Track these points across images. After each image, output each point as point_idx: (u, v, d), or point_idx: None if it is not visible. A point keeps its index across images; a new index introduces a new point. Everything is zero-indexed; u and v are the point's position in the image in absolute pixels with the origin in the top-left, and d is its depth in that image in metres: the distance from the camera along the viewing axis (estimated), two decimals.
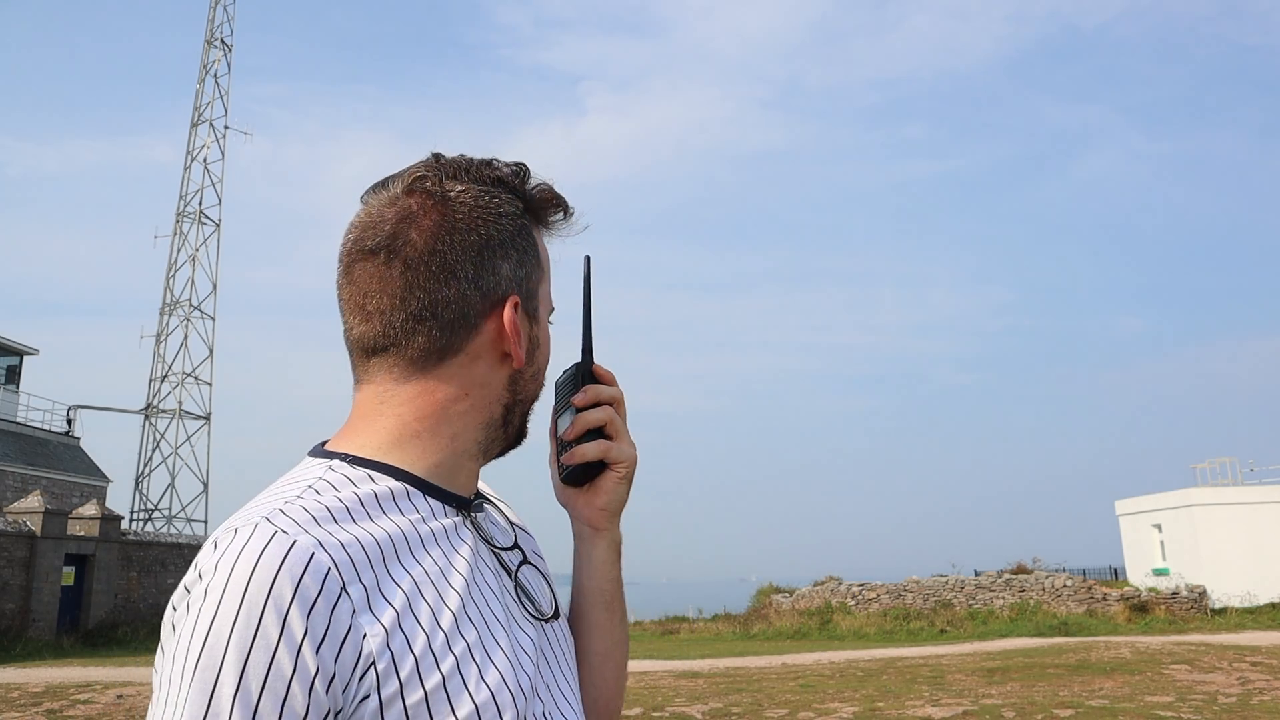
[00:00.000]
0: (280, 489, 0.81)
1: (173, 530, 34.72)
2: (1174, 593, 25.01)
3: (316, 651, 0.70)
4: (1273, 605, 24.98)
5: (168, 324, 38.07)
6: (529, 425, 0.97)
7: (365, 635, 0.73)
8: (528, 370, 0.93)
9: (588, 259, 1.05)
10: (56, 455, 30.40)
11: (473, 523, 0.90)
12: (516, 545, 0.95)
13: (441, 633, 0.78)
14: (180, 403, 37.16)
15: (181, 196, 39.29)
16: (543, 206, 0.96)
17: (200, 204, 39.01)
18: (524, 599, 0.91)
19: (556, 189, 0.97)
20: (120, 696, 12.27)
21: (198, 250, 38.54)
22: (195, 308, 38.09)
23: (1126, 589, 26.06)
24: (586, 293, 1.05)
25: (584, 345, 1.04)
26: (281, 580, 0.70)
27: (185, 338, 37.60)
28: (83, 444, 32.54)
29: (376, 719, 0.73)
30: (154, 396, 37.55)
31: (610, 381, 1.01)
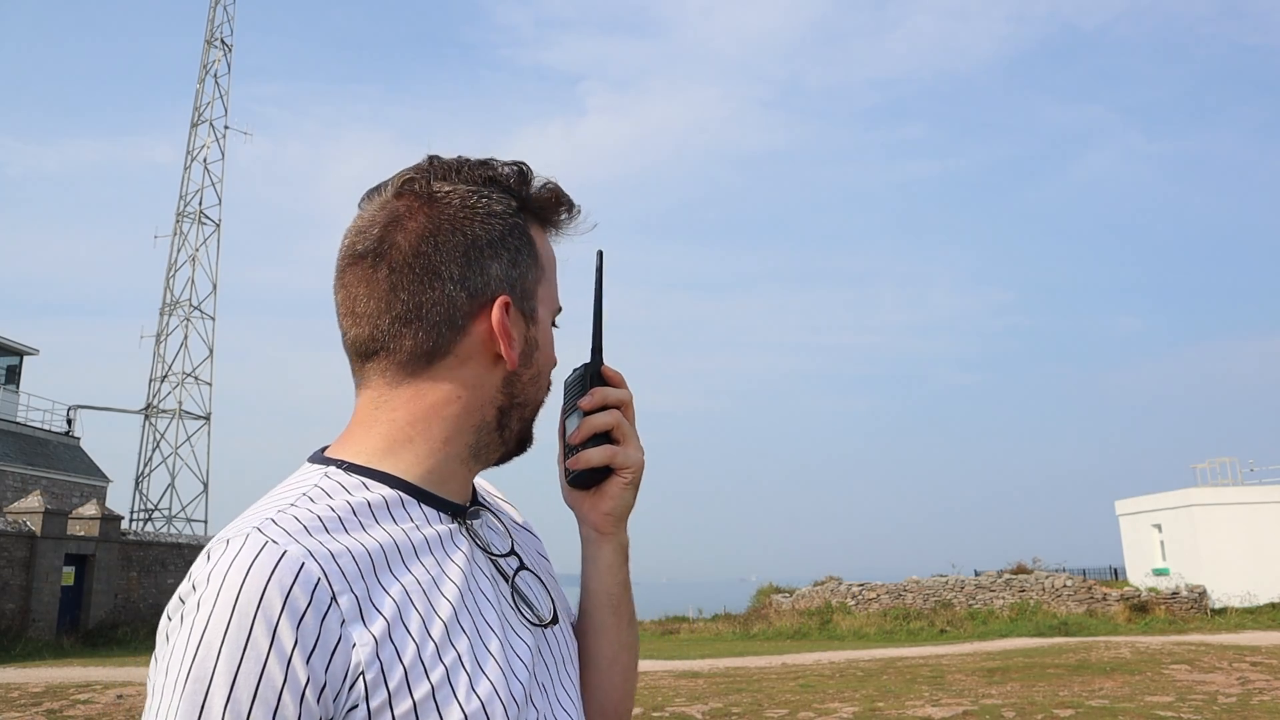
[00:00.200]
0: (275, 496, 0.82)
1: (173, 530, 34.73)
2: (1174, 593, 25.01)
3: (307, 662, 0.70)
4: (1273, 605, 24.98)
5: (168, 324, 38.11)
6: (534, 431, 0.96)
7: (355, 645, 0.73)
8: (525, 373, 0.91)
9: (600, 254, 1.04)
10: (56, 455, 30.40)
11: (469, 529, 0.89)
12: (513, 551, 0.93)
13: (432, 642, 0.78)
14: (180, 403, 37.19)
15: (181, 196, 39.33)
16: (544, 205, 0.95)
17: (200, 204, 39.03)
18: (521, 605, 0.90)
19: (562, 187, 0.96)
20: (120, 696, 12.27)
21: (198, 250, 38.57)
22: (195, 308, 38.11)
23: (1126, 589, 26.06)
24: (598, 289, 1.03)
25: (594, 345, 1.02)
26: (271, 591, 0.71)
27: (185, 338, 37.62)
28: (83, 444, 32.54)
29: (373, 714, 0.73)
30: (154, 396, 37.56)
31: (619, 383, 1.00)
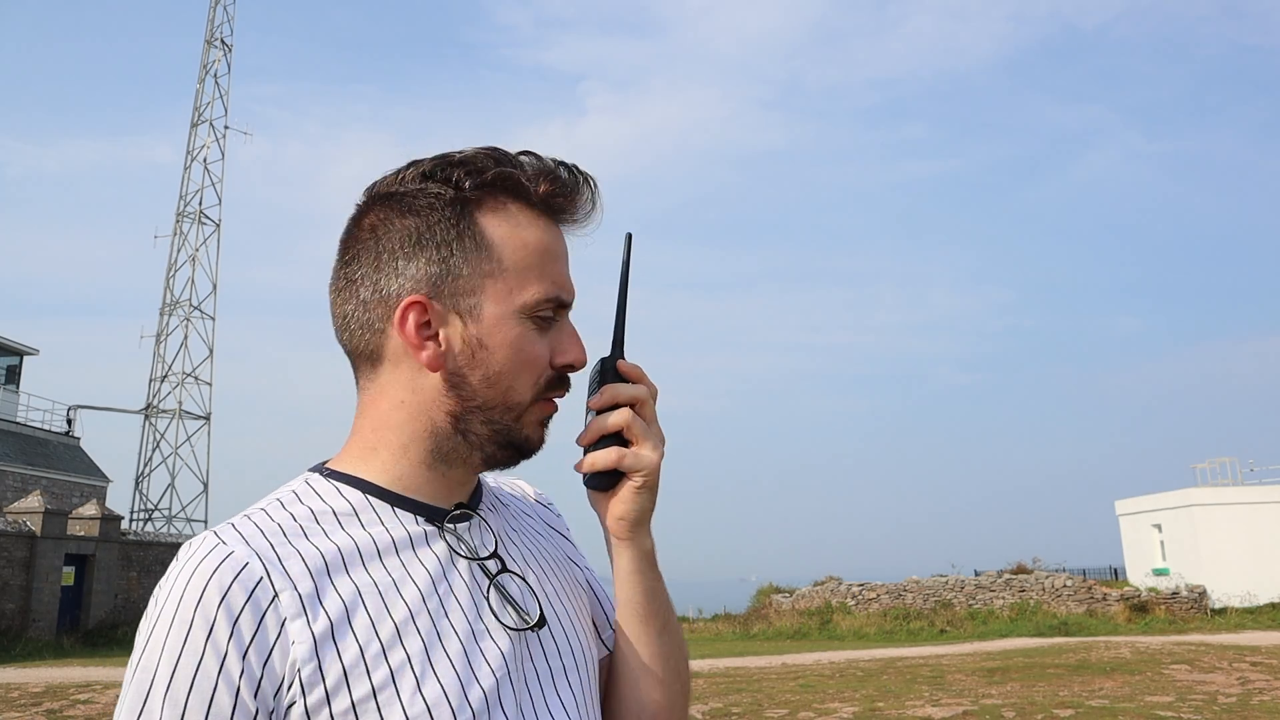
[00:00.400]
0: (260, 501, 0.88)
1: (173, 530, 34.72)
2: (1174, 593, 25.00)
3: (243, 656, 0.75)
4: (1273, 605, 24.98)
5: (168, 324, 38.10)
6: (540, 432, 0.92)
7: (293, 642, 0.77)
8: (472, 375, 0.88)
9: (628, 238, 0.99)
10: (56, 455, 30.40)
11: (453, 532, 0.89)
12: (495, 554, 0.90)
13: (378, 643, 0.80)
14: (180, 403, 37.18)
15: (181, 196, 39.32)
16: (510, 186, 0.89)
17: (200, 204, 39.02)
18: (501, 609, 0.88)
19: (550, 160, 0.92)
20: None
21: (198, 250, 38.55)
22: (195, 308, 38.09)
23: (1126, 589, 26.05)
24: (624, 277, 0.98)
25: (614, 337, 0.97)
26: (211, 589, 0.76)
27: (185, 338, 37.61)
28: (83, 444, 32.54)
29: (310, 712, 0.76)
30: (154, 396, 37.56)
31: (637, 378, 0.95)
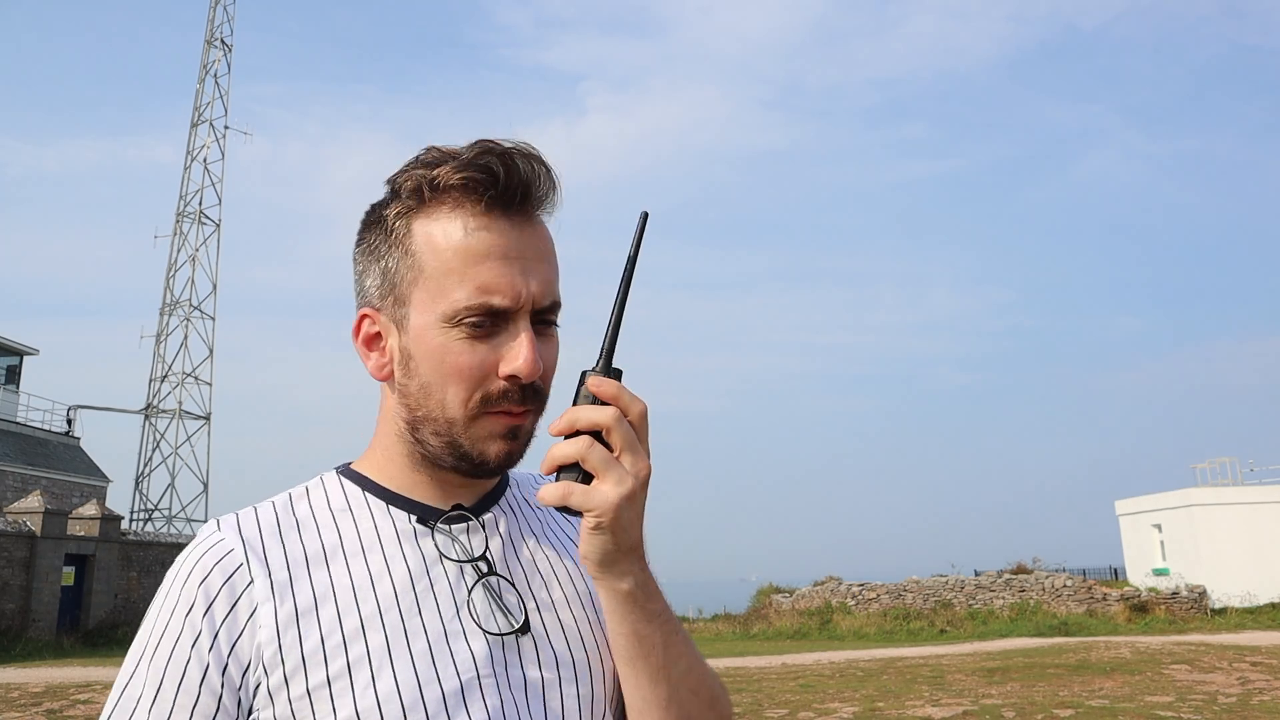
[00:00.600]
0: (278, 494, 0.93)
1: (173, 530, 34.72)
2: (1174, 593, 25.00)
3: (214, 635, 0.81)
4: (1273, 605, 24.97)
5: (168, 324, 38.09)
6: (485, 447, 0.87)
7: (260, 626, 0.82)
8: (409, 385, 0.88)
9: (643, 217, 0.89)
10: (56, 455, 30.40)
11: (446, 533, 0.90)
12: (483, 557, 0.89)
13: (340, 634, 0.82)
14: (180, 403, 37.17)
15: (181, 196, 39.32)
16: (440, 186, 0.86)
17: (200, 204, 39.02)
18: (495, 612, 0.87)
19: (467, 157, 0.85)
20: None
21: (198, 250, 38.55)
22: (195, 308, 38.09)
23: (1126, 589, 26.05)
24: (629, 268, 0.89)
25: (605, 343, 0.87)
26: (196, 572, 0.84)
27: (185, 338, 37.60)
28: (83, 444, 32.54)
29: (267, 704, 0.81)
30: (154, 396, 37.55)
31: (610, 397, 0.83)
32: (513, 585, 0.90)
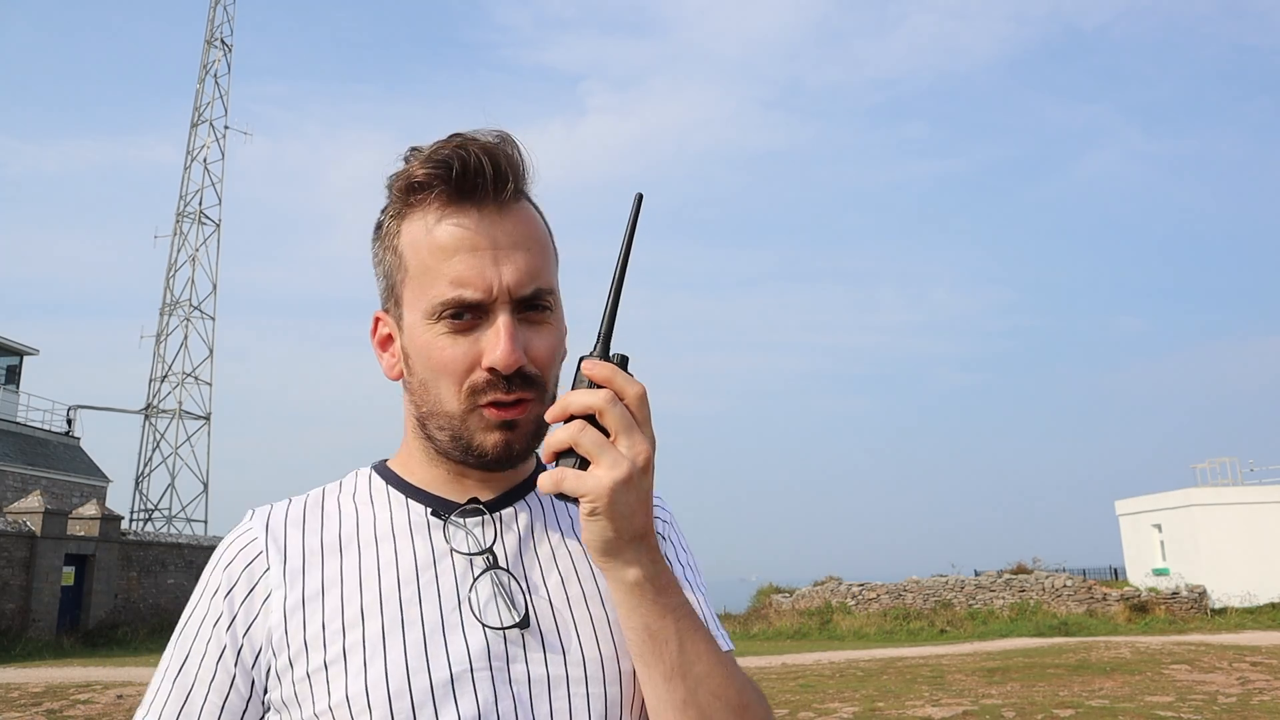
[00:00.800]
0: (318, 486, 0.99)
1: (173, 530, 34.72)
2: (1174, 593, 25.00)
3: (233, 617, 0.87)
4: (1273, 605, 24.97)
5: (168, 324, 38.09)
6: (483, 440, 0.88)
7: (271, 610, 0.86)
8: (412, 382, 0.91)
9: (638, 199, 0.87)
10: (56, 455, 30.39)
11: (461, 526, 0.90)
12: (489, 551, 0.89)
13: (340, 620, 0.85)
14: (180, 403, 37.18)
15: (181, 196, 39.32)
16: (412, 185, 0.88)
17: (200, 204, 39.02)
18: (501, 606, 0.87)
19: (429, 152, 0.86)
20: (120, 696, 12.27)
21: (198, 250, 38.56)
22: (195, 308, 38.10)
23: (1126, 589, 26.05)
24: (625, 251, 0.86)
25: (602, 327, 0.85)
26: (223, 558, 0.90)
27: (185, 338, 37.61)
28: (83, 444, 32.54)
29: (276, 685, 0.85)
30: (154, 396, 37.56)
31: (603, 380, 0.81)
32: (517, 580, 0.89)
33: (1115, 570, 34.69)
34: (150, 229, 47.90)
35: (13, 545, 21.26)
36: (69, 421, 32.70)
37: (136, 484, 36.86)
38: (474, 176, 0.86)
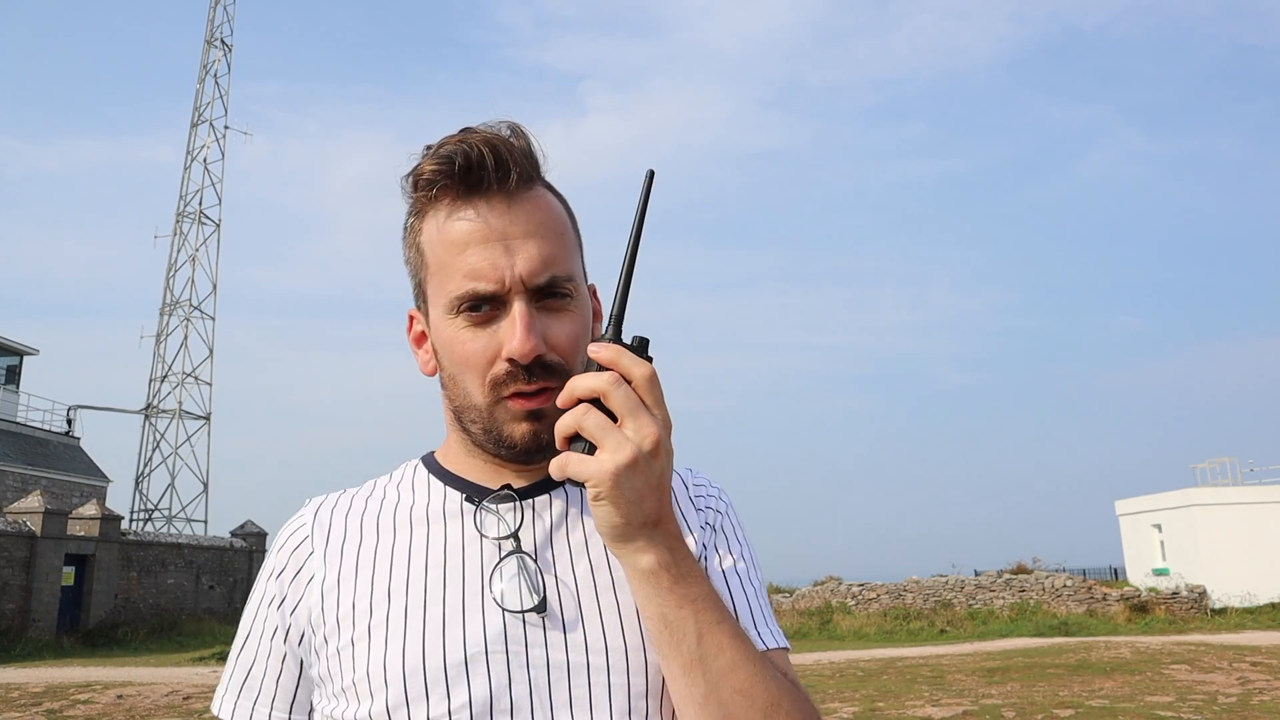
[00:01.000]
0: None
1: (173, 530, 34.72)
2: (1174, 593, 25.00)
3: (284, 597, 0.92)
4: (1273, 605, 24.97)
5: (168, 324, 38.10)
6: (512, 431, 0.88)
7: (312, 591, 0.91)
8: (444, 376, 0.93)
9: (649, 176, 0.86)
10: (56, 455, 30.40)
11: (494, 511, 0.91)
12: (514, 535, 0.90)
13: (367, 601, 0.88)
14: (180, 403, 37.18)
15: (181, 196, 39.33)
16: (426, 182, 0.88)
17: (200, 204, 39.03)
18: (523, 590, 0.87)
19: (451, 140, 0.87)
20: (120, 696, 12.27)
21: (198, 250, 38.57)
22: (195, 308, 38.10)
23: (1126, 589, 26.05)
24: (636, 231, 0.85)
25: (613, 309, 0.83)
26: (278, 540, 0.97)
27: (185, 338, 37.61)
28: (83, 444, 32.55)
29: (315, 660, 0.90)
30: (154, 396, 37.56)
31: (608, 363, 0.80)
32: (541, 566, 0.89)
33: (1115, 570, 34.70)
34: (150, 229, 47.96)
35: (13, 545, 21.26)
36: (69, 421, 32.71)
37: (136, 484, 36.89)
38: (477, 169, 0.86)
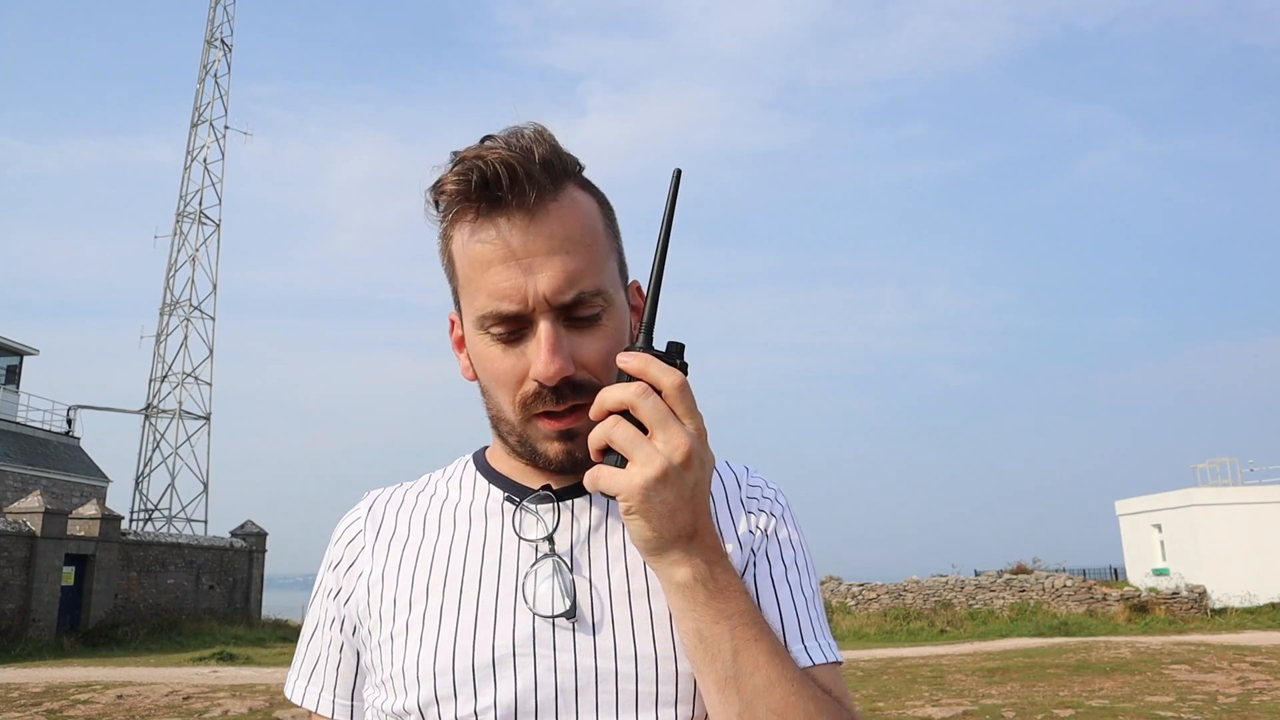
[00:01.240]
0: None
1: (173, 530, 34.70)
2: (1174, 593, 24.99)
3: (339, 588, 0.95)
4: (1273, 605, 24.97)
5: (168, 324, 38.08)
6: (545, 448, 0.88)
7: (361, 584, 0.93)
8: (481, 386, 0.93)
9: (676, 175, 0.83)
10: (56, 455, 30.39)
11: (533, 512, 0.91)
12: (549, 538, 0.89)
13: (409, 595, 0.89)
14: (180, 403, 37.16)
15: (181, 196, 39.31)
16: (454, 197, 0.86)
17: (200, 204, 39.01)
18: (556, 593, 0.86)
19: (458, 162, 0.85)
20: (120, 696, 12.26)
21: (198, 250, 38.54)
22: (195, 308, 38.08)
23: (1126, 589, 26.05)
24: (664, 234, 0.82)
25: (644, 317, 0.81)
26: (335, 532, 0.99)
27: (185, 338, 37.59)
28: (83, 444, 32.53)
29: (364, 649, 0.92)
30: (154, 396, 37.54)
31: (636, 373, 0.78)
32: (574, 570, 0.87)
33: (1115, 570, 34.69)
34: (150, 229, 47.93)
35: (13, 545, 21.26)
36: (69, 421, 32.69)
37: (136, 484, 36.87)
38: (493, 189, 0.83)
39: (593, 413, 0.79)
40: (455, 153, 0.86)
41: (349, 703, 0.96)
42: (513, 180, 0.82)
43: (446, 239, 0.90)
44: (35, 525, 21.88)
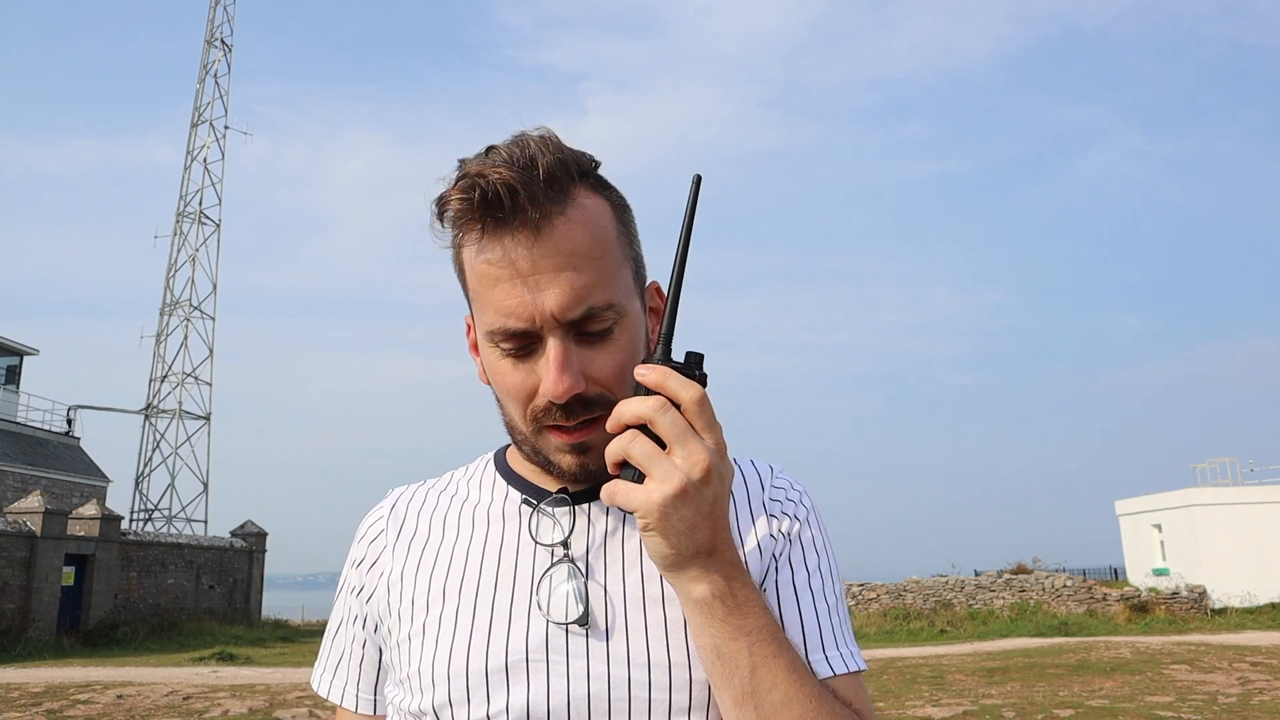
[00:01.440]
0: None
1: (173, 530, 34.70)
2: (1174, 593, 24.99)
3: (361, 585, 0.96)
4: (1273, 605, 24.97)
5: (168, 324, 38.09)
6: (558, 459, 0.87)
7: (382, 582, 0.94)
8: (495, 392, 0.91)
9: (696, 181, 0.82)
10: (56, 455, 30.39)
11: (550, 515, 0.91)
12: (564, 543, 0.88)
13: (426, 595, 0.90)
14: (180, 403, 37.16)
15: (181, 196, 39.31)
16: (457, 213, 0.83)
17: (200, 204, 39.01)
18: (570, 599, 0.85)
19: (461, 177, 0.82)
20: (120, 696, 12.26)
21: (198, 250, 38.55)
22: (195, 308, 38.09)
23: (1126, 589, 26.04)
24: (684, 243, 0.81)
25: (663, 327, 0.81)
26: (359, 530, 1.00)
27: (185, 338, 37.60)
28: (83, 444, 32.53)
29: (385, 646, 0.94)
30: (154, 396, 37.54)
31: (654, 386, 0.77)
32: (589, 575, 0.87)
33: (1115, 570, 34.68)
34: (150, 229, 47.90)
35: (13, 545, 21.26)
36: (69, 421, 32.69)
37: (136, 484, 36.87)
38: (494, 210, 0.80)
39: (610, 426, 0.78)
40: (461, 161, 0.84)
41: (372, 697, 0.98)
42: (514, 202, 0.79)
43: (457, 248, 0.87)
44: (35, 525, 21.88)
